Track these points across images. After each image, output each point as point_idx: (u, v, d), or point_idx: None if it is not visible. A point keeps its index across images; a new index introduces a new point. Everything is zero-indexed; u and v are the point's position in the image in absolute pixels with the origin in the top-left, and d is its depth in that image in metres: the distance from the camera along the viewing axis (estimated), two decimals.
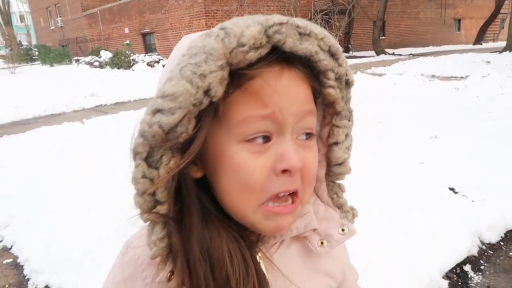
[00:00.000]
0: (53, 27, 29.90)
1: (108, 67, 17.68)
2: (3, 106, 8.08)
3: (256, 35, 0.43)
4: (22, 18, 55.73)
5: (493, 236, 2.36)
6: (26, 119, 7.30)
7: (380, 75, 8.91)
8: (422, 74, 8.93)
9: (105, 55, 18.49)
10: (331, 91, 0.51)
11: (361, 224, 1.84)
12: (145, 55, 18.09)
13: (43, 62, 24.62)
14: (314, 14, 18.54)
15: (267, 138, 0.47)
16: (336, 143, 0.55)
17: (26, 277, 2.36)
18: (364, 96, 6.22)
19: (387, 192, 2.78)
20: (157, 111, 0.44)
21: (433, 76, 8.85)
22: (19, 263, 2.50)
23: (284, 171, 0.47)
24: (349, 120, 0.55)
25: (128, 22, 20.52)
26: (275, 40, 0.45)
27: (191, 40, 0.48)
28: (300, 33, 0.46)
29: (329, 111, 0.54)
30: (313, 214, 0.57)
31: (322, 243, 0.57)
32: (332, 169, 0.57)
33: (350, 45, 20.21)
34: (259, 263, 0.52)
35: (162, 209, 0.47)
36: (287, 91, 0.47)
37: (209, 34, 0.45)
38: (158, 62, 17.65)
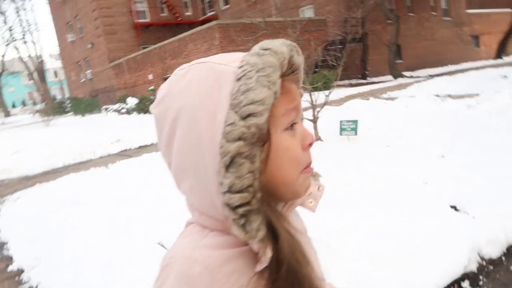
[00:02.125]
0: (83, 80, 31.68)
1: (135, 113, 18.49)
2: (37, 157, 8.66)
3: (287, 52, 0.60)
4: (56, 74, 59.29)
5: (494, 251, 2.38)
6: (56, 168, 7.78)
7: (392, 99, 8.97)
8: (437, 95, 8.93)
9: (131, 101, 19.39)
10: (301, 91, 0.68)
11: (361, 238, 1.96)
12: None
13: (75, 113, 26.03)
14: (329, 45, 19.02)
15: (293, 124, 0.62)
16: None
17: None
18: (376, 120, 6.31)
19: (389, 210, 2.85)
20: (249, 115, 0.55)
21: (448, 95, 8.84)
22: None
23: (309, 144, 0.63)
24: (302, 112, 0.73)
25: (151, 69, 21.56)
26: (291, 54, 0.61)
27: (218, 62, 0.60)
28: (297, 51, 0.63)
29: None
30: None
31: (311, 202, 0.73)
32: None
33: (367, 72, 20.35)
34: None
35: (259, 196, 0.57)
36: (297, 90, 0.65)
37: (260, 54, 0.59)
38: None
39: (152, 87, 21.12)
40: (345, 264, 2.24)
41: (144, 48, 23.94)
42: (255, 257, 0.58)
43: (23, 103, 66.12)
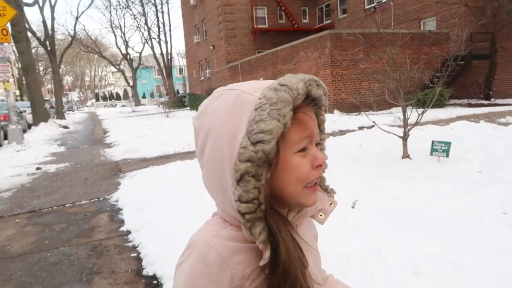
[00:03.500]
0: (202, 78, 34.53)
1: None
2: (154, 144, 10.00)
3: (303, 88, 0.69)
4: (181, 71, 65.33)
5: None
6: (168, 154, 8.92)
7: (506, 124, 8.22)
8: None
9: None
10: (323, 117, 0.80)
11: (414, 254, 2.15)
12: None
13: (191, 107, 28.59)
14: (450, 60, 17.71)
15: (305, 148, 0.71)
16: (321, 150, 0.82)
17: (143, 267, 3.17)
18: (477, 145, 5.97)
19: (453, 235, 2.87)
20: (258, 142, 0.65)
21: None
22: (140, 257, 3.36)
23: (318, 166, 0.72)
24: (325, 134, 0.84)
25: (263, 72, 22.65)
26: (309, 89, 0.71)
27: (245, 91, 0.70)
28: (317, 85, 0.74)
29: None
30: None
31: (321, 215, 0.83)
32: None
33: (491, 92, 18.51)
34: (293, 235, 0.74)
35: (263, 208, 0.67)
36: (313, 120, 0.74)
37: (277, 89, 0.68)
38: None
39: None
40: (390, 274, 2.41)
41: (259, 52, 25.21)
42: (260, 254, 0.68)
43: (152, 95, 74.37)
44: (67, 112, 36.26)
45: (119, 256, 3.41)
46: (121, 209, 4.78)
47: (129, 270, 3.11)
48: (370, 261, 2.55)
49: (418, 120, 5.48)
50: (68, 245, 3.76)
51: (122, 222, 4.32)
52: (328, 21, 29.02)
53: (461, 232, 2.92)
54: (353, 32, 13.67)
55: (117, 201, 5.19)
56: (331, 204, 0.84)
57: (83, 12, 42.81)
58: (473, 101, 18.22)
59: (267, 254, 0.67)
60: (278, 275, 0.68)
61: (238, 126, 0.67)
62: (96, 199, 5.43)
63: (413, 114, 5.66)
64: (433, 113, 12.79)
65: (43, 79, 53.74)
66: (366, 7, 24.98)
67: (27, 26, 21.91)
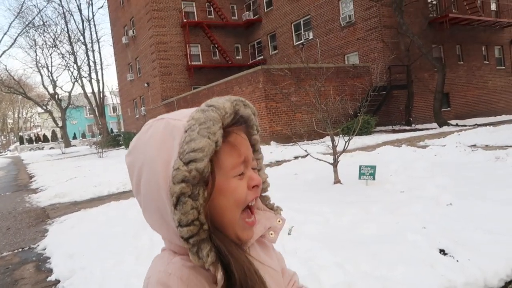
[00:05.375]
0: (137, 116, 33.83)
1: None
2: (86, 186, 9.52)
3: (231, 107, 0.71)
4: (114, 109, 63.51)
5: None
6: (102, 195, 8.52)
7: (424, 147, 9.00)
8: (473, 145, 8.85)
9: None
10: (255, 137, 0.81)
11: (346, 273, 2.21)
12: None
13: (126, 146, 27.76)
14: (372, 90, 19.22)
15: (242, 173, 0.73)
16: (259, 170, 0.84)
17: None
18: (400, 167, 6.45)
19: (381, 251, 3.05)
20: (191, 161, 0.65)
21: (486, 145, 8.74)
22: None
23: (254, 186, 0.73)
24: (262, 153, 0.86)
25: None
26: (236, 109, 0.73)
27: (172, 118, 0.72)
28: (244, 105, 0.76)
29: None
30: (262, 220, 0.82)
31: (271, 234, 0.83)
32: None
33: (411, 119, 20.19)
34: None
35: (206, 228, 0.66)
36: (245, 142, 0.76)
37: (204, 110, 0.69)
38: None
39: None
40: None
41: (195, 88, 25.43)
42: (215, 277, 0.66)
43: (83, 135, 71.08)
44: None
45: None
46: (49, 258, 4.47)
47: None
48: (307, 283, 2.62)
49: (345, 147, 5.82)
50: None
51: (50, 271, 4.03)
52: (261, 57, 30.21)
53: (388, 249, 3.12)
54: (280, 67, 14.38)
55: (44, 249, 4.84)
56: (279, 221, 0.84)
57: (4, 51, 40.32)
58: (397, 127, 19.72)
59: (219, 276, 0.66)
60: None
61: (171, 152, 0.67)
62: (20, 249, 5.01)
63: (341, 142, 6.00)
64: (361, 140, 13.61)
65: None
66: (295, 43, 26.46)
67: None
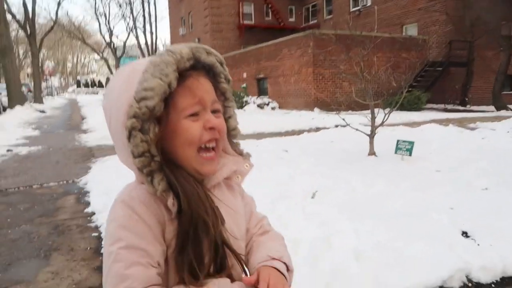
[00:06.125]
0: None
1: None
2: None
3: (189, 52, 0.76)
4: None
5: (485, 277, 2.46)
6: None
7: (473, 129, 8.54)
8: None
9: None
10: (223, 85, 0.86)
11: (360, 241, 2.25)
12: (257, 98, 19.76)
13: None
14: (428, 65, 18.17)
15: (197, 113, 0.78)
16: (229, 117, 0.90)
17: (102, 246, 3.22)
18: (440, 146, 6.20)
19: (402, 225, 3.03)
20: (142, 99, 0.71)
21: None
22: (101, 236, 3.38)
23: (210, 128, 0.78)
24: (233, 102, 0.91)
25: (247, 68, 22.71)
26: (197, 55, 0.77)
27: (138, 63, 0.78)
28: (207, 52, 0.80)
29: (222, 98, 0.88)
30: (229, 164, 0.89)
31: (238, 177, 0.90)
32: (231, 133, 0.91)
33: (467, 99, 19.05)
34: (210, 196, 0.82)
35: (157, 159, 0.74)
36: (204, 86, 0.79)
37: (161, 54, 0.75)
38: (267, 104, 19.09)
39: (244, 85, 22.22)
40: (334, 257, 2.54)
41: (244, 47, 25.24)
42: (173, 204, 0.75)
43: None
44: (46, 96, 35.49)
45: (80, 235, 3.45)
46: (88, 192, 4.81)
47: (88, 248, 3.16)
48: (317, 246, 2.68)
49: (384, 120, 5.65)
50: (30, 223, 3.77)
51: (88, 204, 4.35)
52: (314, 21, 29.27)
53: (408, 224, 3.08)
54: (331, 33, 13.85)
55: (85, 184, 5.21)
56: (247, 165, 0.91)
57: None
58: (449, 106, 18.73)
59: (169, 202, 0.74)
60: (184, 222, 0.75)
61: (131, 93, 0.74)
62: (65, 182, 5.43)
63: (390, 115, 5.78)
64: (408, 116, 13.14)
65: (23, 63, 52.46)
66: (352, 9, 25.30)
67: (6, 7, 21.34)
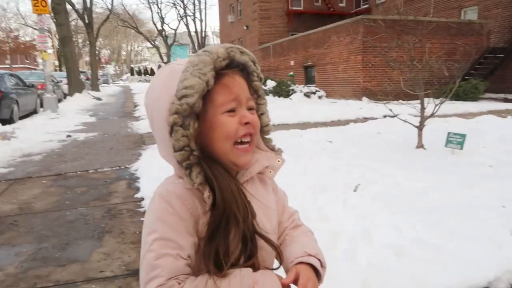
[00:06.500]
0: None
1: (271, 95, 19.72)
2: None
3: (224, 52, 0.81)
4: None
5: None
6: None
7: None
8: None
9: (270, 84, 20.66)
10: (256, 83, 0.90)
11: (403, 235, 2.25)
12: (304, 86, 19.56)
13: None
14: (488, 52, 16.97)
15: (234, 109, 0.83)
16: (262, 114, 0.94)
17: None
18: (496, 140, 5.86)
19: (447, 222, 2.94)
20: (183, 96, 0.77)
21: None
22: None
23: (246, 123, 0.83)
24: (265, 99, 0.95)
25: (294, 55, 22.49)
26: (231, 55, 0.82)
27: (177, 63, 0.84)
28: (241, 52, 0.85)
29: (255, 96, 0.92)
30: (262, 159, 0.93)
31: (270, 171, 0.94)
32: (263, 129, 0.95)
33: None
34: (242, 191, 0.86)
35: (196, 154, 0.80)
36: (239, 84, 0.84)
37: (199, 54, 0.80)
38: (314, 93, 18.82)
39: (291, 73, 22.06)
40: (373, 252, 2.53)
41: (293, 34, 24.98)
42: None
43: None
44: (102, 84, 37.35)
45: (130, 219, 3.67)
46: (139, 178, 5.06)
47: (137, 232, 3.36)
48: (357, 239, 2.67)
49: (434, 111, 5.42)
50: (86, 206, 4.07)
51: (138, 189, 4.60)
52: (366, 6, 28.29)
53: (453, 221, 2.98)
54: (377, 18, 13.32)
55: (136, 170, 5.48)
56: (279, 161, 0.95)
57: None
58: (511, 96, 17.48)
59: (205, 194, 0.79)
60: (216, 214, 0.80)
61: (172, 91, 0.79)
62: (118, 168, 5.75)
63: (442, 106, 5.53)
64: (464, 106, 12.46)
65: (82, 51, 55.34)
66: None
67: None
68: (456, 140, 5.13)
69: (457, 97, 14.09)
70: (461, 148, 5.07)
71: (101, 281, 2.51)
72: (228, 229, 0.80)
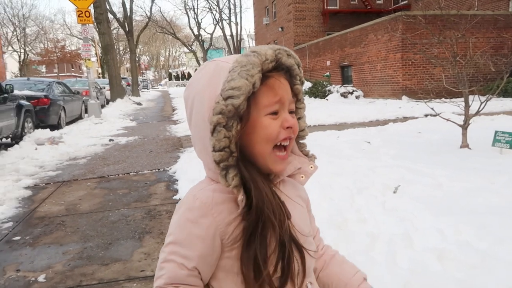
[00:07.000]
0: None
1: (307, 96, 19.59)
2: None
3: (272, 54, 0.79)
4: None
5: None
6: None
7: None
8: None
9: (306, 85, 20.50)
10: (298, 86, 0.88)
11: (447, 241, 2.18)
12: (340, 86, 19.28)
13: None
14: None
15: (276, 112, 0.81)
16: (300, 118, 0.92)
17: None
18: None
19: (493, 220, 2.79)
20: (228, 97, 0.75)
21: None
22: None
23: (288, 127, 0.81)
24: (304, 103, 0.93)
25: (330, 55, 22.22)
26: (279, 57, 0.80)
27: (223, 60, 0.82)
28: (287, 54, 0.83)
29: (294, 99, 0.89)
30: (295, 162, 0.91)
31: (302, 177, 0.92)
32: (299, 134, 0.92)
33: None
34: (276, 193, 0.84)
35: (235, 155, 0.77)
36: (284, 86, 0.82)
37: (248, 55, 0.78)
38: (351, 93, 18.51)
39: (327, 73, 21.81)
40: (414, 255, 2.44)
41: (328, 34, 24.69)
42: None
43: None
44: (142, 90, 38.56)
45: (168, 220, 3.76)
46: (177, 180, 5.18)
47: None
48: (397, 242, 2.59)
49: (480, 109, 5.17)
50: (127, 207, 4.20)
51: (176, 191, 4.70)
52: (404, 1, 27.48)
53: (503, 224, 2.82)
54: (417, 13, 12.89)
55: (174, 172, 5.61)
56: (311, 167, 0.92)
57: None
58: None
59: (239, 197, 0.76)
60: (251, 218, 0.77)
61: (216, 89, 0.78)
62: (157, 170, 5.91)
63: (489, 103, 5.27)
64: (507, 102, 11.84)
65: (123, 58, 57.47)
66: None
67: (108, 8, 23.48)
68: (504, 139, 4.87)
69: (505, 93, 13.40)
70: (510, 148, 4.80)
71: (142, 280, 2.58)
72: (265, 234, 0.78)
